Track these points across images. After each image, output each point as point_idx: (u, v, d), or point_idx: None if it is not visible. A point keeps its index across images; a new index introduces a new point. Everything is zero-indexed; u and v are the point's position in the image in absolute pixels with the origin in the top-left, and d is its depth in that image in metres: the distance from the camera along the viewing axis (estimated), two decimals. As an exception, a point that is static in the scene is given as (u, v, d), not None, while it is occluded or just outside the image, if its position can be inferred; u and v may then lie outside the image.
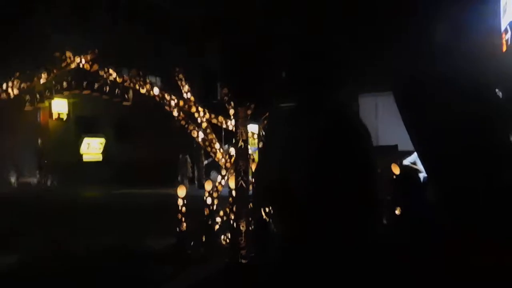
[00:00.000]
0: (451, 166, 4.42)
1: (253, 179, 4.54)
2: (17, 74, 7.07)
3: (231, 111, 6.49)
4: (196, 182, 13.16)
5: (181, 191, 5.83)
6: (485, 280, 2.87)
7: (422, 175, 7.73)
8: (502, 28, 5.92)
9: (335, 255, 1.99)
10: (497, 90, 5.15)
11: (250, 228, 5.15)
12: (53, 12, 6.79)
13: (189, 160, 12.83)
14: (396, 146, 8.34)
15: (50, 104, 13.46)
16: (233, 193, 5.32)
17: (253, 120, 5.92)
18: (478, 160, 4.22)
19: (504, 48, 5.75)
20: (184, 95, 6.94)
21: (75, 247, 6.37)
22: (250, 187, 4.98)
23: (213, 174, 12.37)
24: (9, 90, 6.91)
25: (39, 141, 14.92)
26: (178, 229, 5.84)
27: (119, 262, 5.71)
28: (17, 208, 9.60)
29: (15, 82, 6.94)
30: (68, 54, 6.90)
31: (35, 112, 14.21)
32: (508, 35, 5.67)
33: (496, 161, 4.16)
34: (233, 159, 6.28)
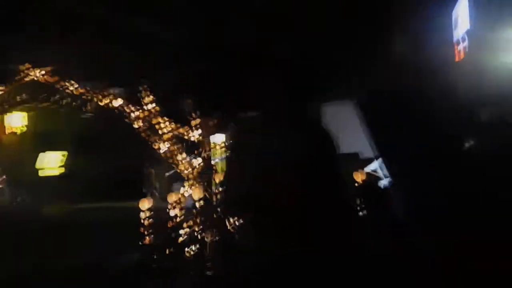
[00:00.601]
0: (414, 170, 4.55)
1: (222, 189, 4.52)
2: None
3: (193, 122, 6.47)
4: (157, 194, 12.98)
5: (144, 204, 5.73)
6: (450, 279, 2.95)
7: (383, 182, 7.92)
8: (455, 39, 6.18)
9: (310, 264, 1.99)
10: (453, 96, 5.36)
11: (216, 240, 5.12)
12: (12, 23, 6.63)
13: (153, 172, 12.66)
14: (357, 154, 8.49)
15: (2, 118, 13.03)
16: (197, 204, 5.27)
17: (217, 130, 5.91)
18: (436, 164, 4.36)
19: (461, 56, 5.97)
20: (145, 106, 6.86)
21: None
22: (214, 198, 4.95)
23: (175, 185, 12.23)
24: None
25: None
26: (140, 243, 5.73)
27: (81, 277, 5.57)
28: (13, 227, 8.95)
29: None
30: (26, 66, 6.72)
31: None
32: (465, 44, 5.90)
33: (452, 165, 4.31)
34: (196, 170, 6.25)
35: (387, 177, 7.62)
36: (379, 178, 7.99)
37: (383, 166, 7.55)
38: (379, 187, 6.19)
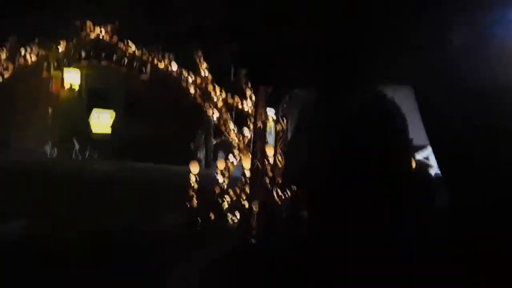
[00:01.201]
0: (467, 168, 4.39)
1: (277, 160, 4.54)
2: (36, 40, 7.05)
3: (248, 92, 6.47)
4: (203, 161, 13.20)
5: (193, 167, 5.85)
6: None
7: (434, 170, 7.73)
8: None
9: (362, 246, 1.98)
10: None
11: (261, 210, 5.17)
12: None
13: (203, 138, 12.87)
14: (411, 140, 8.29)
15: (62, 74, 13.39)
16: (247, 173, 5.32)
17: (271, 102, 5.90)
18: (494, 166, 4.20)
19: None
20: (202, 73, 6.91)
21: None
22: (264, 169, 4.97)
23: (220, 154, 12.39)
24: (27, 56, 6.89)
25: (51, 110, 14.90)
26: (188, 206, 5.87)
27: (126, 237, 5.72)
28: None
29: (33, 49, 6.92)
30: (89, 24, 6.87)
31: (47, 82, 14.17)
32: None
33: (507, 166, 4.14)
34: (246, 139, 6.29)
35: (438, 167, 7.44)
36: (430, 166, 7.82)
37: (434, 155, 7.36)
38: (430, 176, 6.06)
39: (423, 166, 7.52)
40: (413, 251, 2.88)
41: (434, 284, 2.90)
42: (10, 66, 6.97)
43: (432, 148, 5.43)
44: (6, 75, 6.93)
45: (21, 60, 6.83)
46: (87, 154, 14.80)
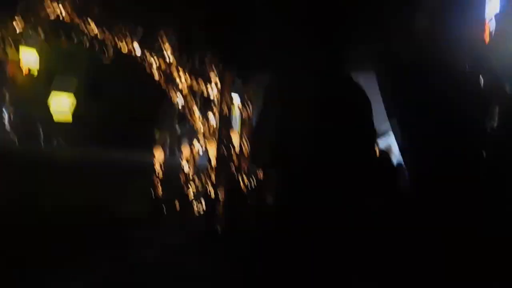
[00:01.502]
0: (430, 151, 4.49)
1: (250, 141, 4.47)
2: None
3: (213, 77, 6.36)
4: (168, 147, 13.02)
5: (159, 154, 5.75)
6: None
7: (396, 158, 7.86)
8: (487, 19, 5.96)
9: (330, 222, 1.99)
10: (479, 79, 5.23)
11: (227, 197, 5.14)
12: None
13: (166, 125, 12.67)
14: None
15: (19, 56, 12.79)
16: (212, 161, 5.27)
17: (236, 87, 5.83)
18: (456, 148, 4.29)
19: (487, 40, 5.79)
20: (166, 57, 6.74)
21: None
22: (233, 155, 4.93)
23: (184, 140, 12.24)
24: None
25: (8, 96, 14.29)
26: (153, 195, 5.78)
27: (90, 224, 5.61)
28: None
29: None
30: (48, 2, 6.57)
31: (2, 65, 13.56)
32: (492, 28, 5.71)
33: (473, 150, 4.24)
34: (212, 127, 6.20)
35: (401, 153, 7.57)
36: (392, 154, 7.96)
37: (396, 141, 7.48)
38: (392, 164, 6.16)
39: (386, 153, 7.64)
40: (377, 233, 2.92)
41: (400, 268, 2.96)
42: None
43: (394, 134, 5.41)
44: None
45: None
46: (55, 142, 14.28)
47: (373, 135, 2.29)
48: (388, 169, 5.00)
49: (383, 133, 8.45)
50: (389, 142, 8.29)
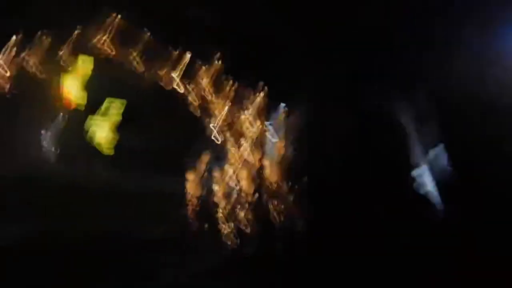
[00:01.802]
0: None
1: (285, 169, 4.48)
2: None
3: (247, 103, 6.44)
4: (199, 171, 13.15)
5: (190, 177, 5.85)
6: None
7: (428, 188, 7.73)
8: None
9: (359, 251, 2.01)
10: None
11: (255, 221, 5.17)
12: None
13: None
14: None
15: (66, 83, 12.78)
16: (243, 184, 5.32)
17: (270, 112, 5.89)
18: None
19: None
20: (201, 83, 6.87)
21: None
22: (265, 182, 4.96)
23: (216, 164, 12.32)
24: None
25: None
26: (182, 214, 5.85)
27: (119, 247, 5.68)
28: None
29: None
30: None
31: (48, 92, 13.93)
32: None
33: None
34: (243, 151, 6.26)
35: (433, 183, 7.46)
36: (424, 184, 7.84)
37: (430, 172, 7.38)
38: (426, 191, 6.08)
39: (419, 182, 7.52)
40: (408, 254, 2.91)
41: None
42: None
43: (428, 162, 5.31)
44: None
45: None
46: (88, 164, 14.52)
47: (408, 168, 2.34)
48: (422, 200, 4.95)
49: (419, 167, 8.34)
50: (422, 172, 8.19)
